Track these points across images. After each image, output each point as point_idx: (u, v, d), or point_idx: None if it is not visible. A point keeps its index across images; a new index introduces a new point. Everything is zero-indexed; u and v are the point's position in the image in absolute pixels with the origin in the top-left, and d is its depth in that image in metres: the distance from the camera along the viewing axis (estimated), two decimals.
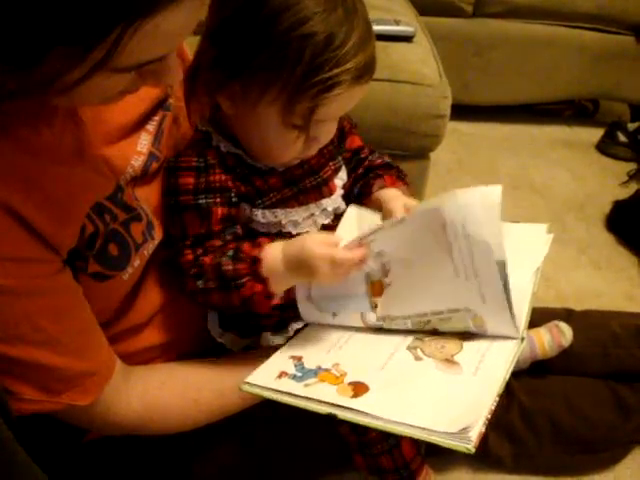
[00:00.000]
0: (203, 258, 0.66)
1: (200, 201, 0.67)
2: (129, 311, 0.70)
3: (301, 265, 0.64)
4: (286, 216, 0.72)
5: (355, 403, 0.62)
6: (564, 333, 0.81)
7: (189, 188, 0.67)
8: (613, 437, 1.01)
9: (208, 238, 0.68)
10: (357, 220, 0.78)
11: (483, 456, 0.99)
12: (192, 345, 0.77)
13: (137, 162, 0.67)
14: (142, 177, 0.69)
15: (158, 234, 0.70)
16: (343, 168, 0.80)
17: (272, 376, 0.67)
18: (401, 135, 1.32)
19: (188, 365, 0.74)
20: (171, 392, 0.71)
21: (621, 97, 2.29)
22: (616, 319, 1.07)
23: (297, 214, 0.73)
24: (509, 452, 0.96)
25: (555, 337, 0.81)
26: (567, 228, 1.75)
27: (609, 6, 2.04)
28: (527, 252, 0.78)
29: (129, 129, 0.68)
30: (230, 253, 0.65)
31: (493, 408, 0.59)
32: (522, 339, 0.68)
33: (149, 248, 0.68)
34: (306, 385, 0.65)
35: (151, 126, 0.71)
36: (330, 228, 0.77)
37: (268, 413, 0.77)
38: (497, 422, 0.92)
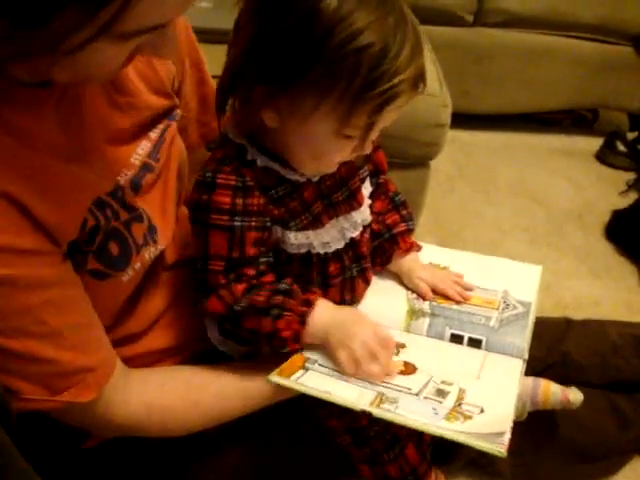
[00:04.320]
0: (236, 287, 0.67)
1: (235, 223, 0.65)
2: (129, 318, 0.70)
3: (341, 343, 0.68)
4: (317, 237, 0.72)
5: (405, 381, 0.68)
6: (574, 392, 0.80)
7: (224, 208, 0.65)
8: (611, 447, 1.01)
9: (242, 263, 0.67)
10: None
11: (482, 467, 0.99)
12: (192, 351, 0.77)
13: (124, 177, 0.66)
14: (137, 189, 0.67)
15: (162, 240, 0.70)
16: (368, 178, 0.80)
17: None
18: (401, 143, 1.32)
19: (189, 367, 0.74)
20: (171, 393, 0.70)
21: (620, 107, 2.30)
22: (615, 328, 1.07)
23: (327, 234, 0.73)
24: (508, 463, 0.96)
25: (563, 391, 0.81)
26: (566, 237, 1.75)
27: (609, 17, 2.06)
28: (521, 286, 0.85)
29: (130, 135, 0.68)
30: (275, 312, 0.67)
31: (513, 418, 0.63)
32: (524, 360, 0.75)
33: (151, 252, 0.68)
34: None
35: (154, 134, 0.71)
36: (358, 242, 0.77)
37: (268, 424, 0.77)
38: None
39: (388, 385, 0.68)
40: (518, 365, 0.74)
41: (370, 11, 0.57)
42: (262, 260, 0.69)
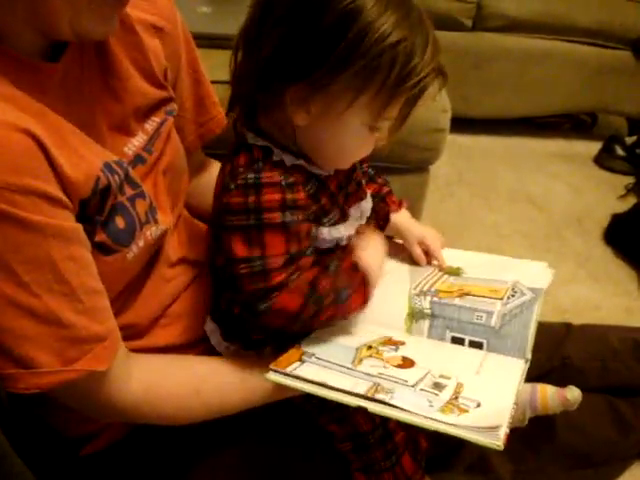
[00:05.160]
0: (301, 278, 0.66)
1: (288, 219, 0.66)
2: (129, 308, 0.70)
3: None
4: (346, 230, 0.74)
5: (402, 374, 0.68)
6: (571, 389, 0.80)
7: (276, 205, 0.65)
8: (612, 452, 1.01)
9: (300, 256, 0.67)
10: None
11: (483, 473, 0.98)
12: (194, 352, 0.77)
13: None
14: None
15: (163, 221, 0.70)
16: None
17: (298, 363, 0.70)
18: (401, 149, 1.32)
19: (193, 356, 0.74)
20: (174, 377, 0.69)
21: (619, 111, 2.31)
22: (615, 333, 1.07)
23: (351, 227, 0.75)
24: (508, 469, 0.96)
25: (560, 391, 0.81)
26: (565, 241, 1.75)
27: (607, 22, 2.07)
28: (533, 277, 0.85)
29: (126, 125, 0.68)
30: (345, 294, 0.70)
31: (513, 414, 0.62)
32: (527, 360, 0.74)
33: (152, 231, 0.68)
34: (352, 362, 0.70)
35: (150, 126, 0.71)
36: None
37: (269, 426, 0.77)
38: None
39: (384, 376, 0.67)
40: (520, 364, 0.74)
41: (396, 9, 0.61)
42: (311, 249, 0.70)
